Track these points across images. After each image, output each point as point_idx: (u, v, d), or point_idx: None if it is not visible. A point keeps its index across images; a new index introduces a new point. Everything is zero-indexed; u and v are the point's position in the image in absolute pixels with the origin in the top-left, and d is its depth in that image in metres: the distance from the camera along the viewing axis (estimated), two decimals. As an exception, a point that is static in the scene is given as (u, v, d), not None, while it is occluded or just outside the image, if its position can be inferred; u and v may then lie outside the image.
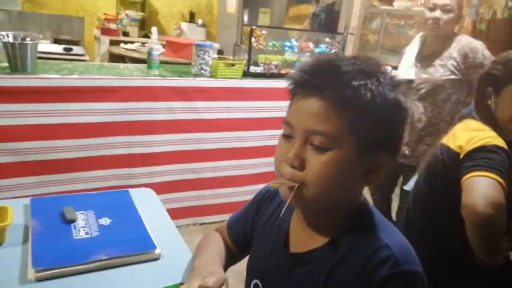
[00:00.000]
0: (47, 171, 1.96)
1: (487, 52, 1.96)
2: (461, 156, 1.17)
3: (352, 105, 0.62)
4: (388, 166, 0.68)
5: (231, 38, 4.30)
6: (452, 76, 1.98)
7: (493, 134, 1.18)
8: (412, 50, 2.14)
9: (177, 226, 1.14)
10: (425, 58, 2.06)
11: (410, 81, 2.03)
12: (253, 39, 2.46)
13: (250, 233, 0.89)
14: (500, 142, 1.15)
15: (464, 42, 1.99)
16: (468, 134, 1.20)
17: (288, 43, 2.64)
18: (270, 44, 2.56)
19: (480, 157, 1.13)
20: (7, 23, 3.93)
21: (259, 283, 0.80)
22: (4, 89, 1.81)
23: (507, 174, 1.11)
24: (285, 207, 0.69)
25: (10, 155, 1.87)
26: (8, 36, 1.97)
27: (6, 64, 1.96)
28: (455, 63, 1.98)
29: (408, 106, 0.67)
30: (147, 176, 2.22)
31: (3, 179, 1.87)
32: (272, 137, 2.43)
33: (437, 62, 2.01)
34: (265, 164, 2.48)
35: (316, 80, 0.65)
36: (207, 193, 2.44)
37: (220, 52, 2.70)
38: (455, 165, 1.18)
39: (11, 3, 4.12)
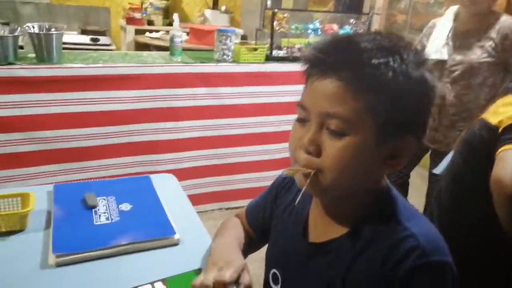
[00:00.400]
0: (73, 158, 2.01)
1: None
2: (500, 130, 1.11)
3: (372, 85, 0.58)
4: (411, 150, 0.63)
5: (255, 23, 4.24)
6: (489, 59, 1.84)
7: None
8: (444, 26, 1.96)
9: (202, 211, 1.14)
10: (459, 37, 1.90)
11: (442, 62, 1.89)
12: (275, 22, 2.41)
13: (269, 220, 0.86)
14: None
15: (504, 21, 1.82)
16: (509, 108, 1.13)
17: (311, 26, 2.56)
18: (292, 27, 2.50)
19: None
20: (36, 15, 4.03)
21: (277, 272, 0.78)
22: (31, 79, 1.85)
23: None
24: (300, 195, 0.66)
25: (36, 144, 1.92)
26: (33, 27, 2.01)
27: (33, 55, 2.00)
28: (493, 44, 1.82)
29: (435, 85, 0.62)
30: (172, 162, 2.24)
31: (29, 167, 1.93)
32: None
33: (474, 42, 1.86)
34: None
35: (332, 58, 0.60)
36: (232, 178, 2.44)
37: (244, 37, 2.67)
38: (493, 139, 1.12)
39: (39, -4, 4.21)
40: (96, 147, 2.04)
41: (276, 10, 2.44)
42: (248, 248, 0.90)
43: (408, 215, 0.66)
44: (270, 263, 0.82)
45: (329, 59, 0.61)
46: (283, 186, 0.85)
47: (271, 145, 2.46)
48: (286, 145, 2.30)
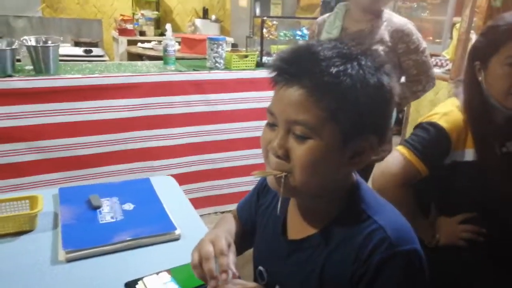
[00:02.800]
0: (72, 167, 2.06)
1: (419, 35, 1.70)
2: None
3: (331, 93, 0.61)
4: (374, 149, 0.67)
5: (245, 32, 4.33)
6: None
7: (445, 111, 1.13)
8: (332, 25, 1.75)
9: (199, 215, 1.19)
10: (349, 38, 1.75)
11: None
12: (264, 30, 2.50)
13: (255, 219, 0.91)
14: (444, 121, 1.11)
15: (396, 22, 1.67)
16: (436, 109, 1.19)
17: (299, 32, 2.66)
18: (281, 34, 2.60)
19: (412, 133, 1.17)
20: (29, 29, 4.09)
21: (262, 270, 0.82)
22: (30, 90, 1.91)
23: (431, 150, 1.11)
24: (279, 201, 0.72)
25: (37, 153, 1.97)
26: (30, 40, 2.07)
27: (31, 67, 2.06)
28: (387, 49, 1.66)
29: (393, 87, 0.65)
30: (167, 168, 2.30)
31: (31, 176, 1.98)
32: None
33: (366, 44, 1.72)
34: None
35: (294, 68, 0.64)
36: (226, 182, 2.50)
37: (234, 45, 2.74)
38: None
39: (32, 9, 4.27)
40: (95, 155, 2.09)
41: (265, 17, 2.53)
42: (243, 241, 0.94)
43: (377, 208, 0.70)
44: (255, 261, 0.86)
45: (291, 68, 0.64)
46: (263, 187, 0.90)
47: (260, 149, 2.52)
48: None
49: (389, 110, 0.67)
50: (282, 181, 0.66)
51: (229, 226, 0.93)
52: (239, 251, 0.89)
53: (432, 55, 4.10)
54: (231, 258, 0.74)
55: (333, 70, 0.61)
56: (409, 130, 3.61)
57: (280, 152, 0.66)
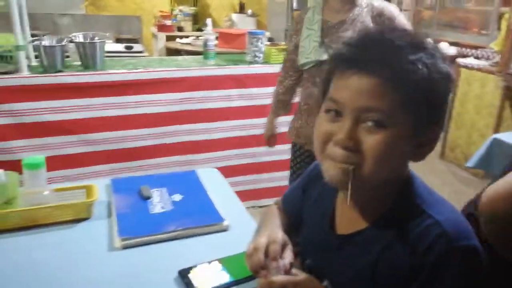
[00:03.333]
0: (120, 159, 2.14)
1: (402, 18, 1.63)
2: None
3: (410, 81, 0.60)
4: (437, 139, 0.67)
5: (281, 25, 4.32)
6: None
7: None
8: (312, 21, 1.64)
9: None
10: (332, 32, 1.59)
11: (319, 62, 1.57)
12: (304, 23, 2.47)
13: (300, 213, 0.90)
14: None
15: (377, 6, 1.59)
16: None
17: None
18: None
19: None
20: (72, 26, 4.25)
21: (311, 263, 0.82)
22: (78, 85, 1.99)
23: None
24: (349, 193, 0.66)
25: (86, 145, 2.06)
26: (79, 37, 2.15)
27: (79, 63, 2.15)
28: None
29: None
30: (208, 161, 2.34)
31: (81, 167, 2.07)
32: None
33: (350, 35, 1.59)
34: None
35: (368, 56, 0.62)
36: (265, 177, 2.52)
37: (270, 39, 2.75)
38: None
39: (75, 7, 4.44)
40: (141, 148, 2.17)
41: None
42: (289, 234, 0.93)
43: (432, 202, 0.67)
44: (303, 253, 0.84)
45: (365, 56, 0.63)
46: (309, 181, 0.89)
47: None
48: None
49: (448, 98, 0.67)
50: (350, 174, 0.63)
51: (279, 220, 0.93)
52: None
53: (477, 47, 3.96)
54: (288, 254, 0.76)
55: (412, 58, 0.61)
56: (452, 126, 3.49)
57: (350, 144, 0.63)
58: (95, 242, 0.99)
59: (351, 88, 0.63)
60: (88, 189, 1.13)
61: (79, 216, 1.07)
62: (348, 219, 0.75)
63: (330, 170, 0.66)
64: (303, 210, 0.89)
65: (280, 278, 0.69)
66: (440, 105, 0.65)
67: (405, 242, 0.65)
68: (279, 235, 0.79)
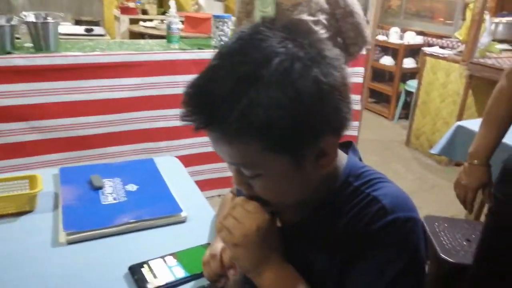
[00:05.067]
0: (74, 147, 2.01)
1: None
2: None
3: (246, 129, 0.52)
4: (336, 145, 0.60)
5: (250, 11, 4.22)
6: (327, 34, 1.66)
7: None
8: (265, 4, 1.63)
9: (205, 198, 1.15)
10: (286, 14, 1.58)
11: None
12: (271, 7, 2.41)
13: None
14: None
15: None
16: None
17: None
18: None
19: None
20: (28, 6, 4.01)
21: None
22: (30, 68, 1.85)
23: None
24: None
25: (37, 133, 1.92)
26: (30, 16, 2.00)
27: (31, 45, 2.00)
28: (327, 16, 1.64)
29: (328, 79, 0.53)
30: (171, 149, 2.25)
31: (31, 156, 1.93)
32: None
33: (306, 17, 1.59)
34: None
35: (197, 118, 0.53)
36: (226, 165, 2.45)
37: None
38: None
39: (31, -13, 4.18)
40: (97, 136, 2.04)
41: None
42: None
43: (372, 182, 0.64)
44: None
45: (197, 118, 0.54)
46: None
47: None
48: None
49: (331, 104, 0.55)
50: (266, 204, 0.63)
51: None
52: None
53: (442, 37, 4.01)
54: None
55: (236, 113, 0.51)
56: (418, 114, 3.54)
57: (244, 188, 0.62)
58: (38, 237, 0.91)
59: (213, 145, 0.58)
60: (32, 180, 1.03)
61: (22, 209, 0.98)
62: (283, 212, 0.70)
63: None
64: None
65: None
66: (305, 125, 0.54)
67: (347, 223, 0.62)
68: None
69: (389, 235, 0.59)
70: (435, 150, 1.87)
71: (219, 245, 0.73)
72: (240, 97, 0.51)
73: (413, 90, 3.84)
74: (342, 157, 0.68)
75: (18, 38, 2.05)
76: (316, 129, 0.55)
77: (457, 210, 2.15)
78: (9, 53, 1.87)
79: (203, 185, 2.34)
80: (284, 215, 0.71)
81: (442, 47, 3.77)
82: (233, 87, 0.52)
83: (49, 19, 2.01)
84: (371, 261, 0.60)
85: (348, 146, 0.71)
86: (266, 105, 0.51)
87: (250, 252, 0.62)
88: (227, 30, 2.29)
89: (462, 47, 3.19)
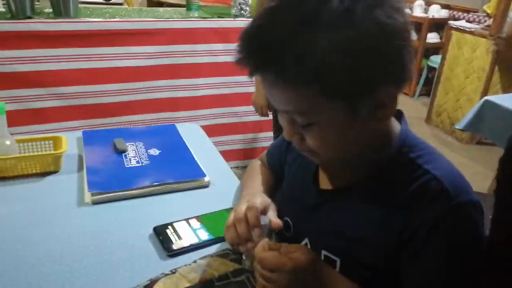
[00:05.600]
0: (94, 115, 2.02)
1: None
2: None
3: (306, 72, 0.50)
4: (395, 96, 0.57)
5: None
6: None
7: None
8: None
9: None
10: None
11: None
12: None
13: (285, 162, 0.85)
14: None
15: None
16: None
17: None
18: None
19: None
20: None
21: (289, 220, 0.76)
22: (50, 33, 1.84)
23: None
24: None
25: (58, 99, 1.93)
26: (49, -20, 1.98)
27: (50, 10, 1.98)
28: None
29: (385, 21, 0.50)
30: (190, 119, 2.24)
31: (53, 122, 1.95)
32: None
33: None
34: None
35: (257, 62, 0.53)
36: (250, 137, 2.44)
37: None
38: None
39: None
40: (117, 104, 2.04)
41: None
42: (276, 189, 0.90)
43: (428, 157, 0.62)
44: (281, 211, 0.77)
45: (258, 62, 0.53)
46: None
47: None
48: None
49: (393, 49, 0.52)
50: (314, 158, 0.63)
51: (261, 178, 0.88)
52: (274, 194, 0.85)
53: (469, 11, 3.86)
54: (270, 214, 0.70)
55: (298, 49, 0.49)
56: (440, 90, 3.45)
57: (294, 139, 0.61)
58: (64, 196, 0.91)
59: (266, 91, 0.58)
60: (56, 141, 1.03)
61: (47, 169, 0.98)
62: (334, 174, 0.70)
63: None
64: (286, 163, 0.84)
65: (269, 256, 0.61)
66: (365, 70, 0.51)
67: (400, 199, 0.60)
68: (258, 200, 0.71)
69: (452, 221, 0.57)
70: (460, 125, 1.82)
71: (243, 207, 0.70)
72: (298, 39, 0.50)
73: (436, 65, 3.73)
74: (396, 124, 0.66)
75: (37, 4, 2.04)
76: (375, 75, 0.53)
77: (477, 188, 2.12)
78: (29, 17, 1.86)
79: (224, 156, 2.35)
80: (333, 179, 0.70)
81: (468, 21, 3.63)
82: (291, 29, 0.50)
83: (69, -16, 1.98)
84: (433, 250, 0.58)
85: (399, 115, 0.67)
86: (325, 47, 0.49)
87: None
88: (248, -1, 2.24)
89: (489, 21, 3.07)
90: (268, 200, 0.75)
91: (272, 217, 0.70)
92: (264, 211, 0.71)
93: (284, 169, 0.85)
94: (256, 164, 0.96)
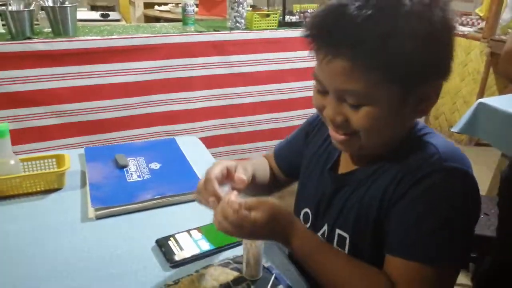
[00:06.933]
0: (94, 131, 2.04)
1: None
2: None
3: (381, 59, 0.55)
4: (439, 91, 0.63)
5: (264, -8, 4.16)
6: None
7: None
8: None
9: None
10: None
11: None
12: (287, -13, 2.38)
13: (299, 160, 0.88)
14: None
15: None
16: None
17: (324, -11, 2.52)
18: (305, -9, 2.47)
19: None
20: (45, -6, 4.02)
21: (309, 211, 0.80)
22: (49, 52, 1.87)
23: None
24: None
25: (58, 117, 1.95)
26: (47, 1, 2.02)
27: (49, 29, 2.02)
28: None
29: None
30: (188, 132, 2.27)
31: (54, 140, 1.98)
32: (308, 88, 2.39)
33: None
34: (304, 116, 2.46)
35: (334, 38, 0.57)
36: (247, 147, 2.46)
37: (253, 7, 2.65)
38: None
39: (46, -26, 4.19)
40: (116, 119, 2.07)
41: (287, -26, 2.41)
42: (273, 185, 0.93)
43: (433, 135, 0.67)
44: (301, 203, 0.83)
45: (330, 38, 0.58)
46: (315, 125, 0.86)
47: (284, 112, 2.47)
48: (300, 112, 2.33)
49: (447, 44, 0.59)
50: (348, 143, 0.65)
51: (259, 162, 0.92)
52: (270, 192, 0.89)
53: (462, 14, 3.91)
54: (239, 172, 0.72)
55: (377, 33, 0.54)
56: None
57: (338, 119, 0.63)
58: (68, 213, 0.94)
59: (326, 70, 0.60)
60: (59, 159, 1.06)
61: (51, 187, 1.01)
62: (350, 159, 0.74)
63: (332, 135, 0.68)
64: (303, 160, 0.86)
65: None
66: (425, 61, 0.57)
67: (402, 165, 0.64)
68: (216, 170, 0.72)
69: (437, 178, 0.60)
70: (456, 128, 1.84)
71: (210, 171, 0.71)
72: (380, 22, 0.54)
73: (431, 69, 3.77)
74: None
75: (37, 24, 2.08)
76: (434, 66, 0.59)
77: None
78: (28, 38, 1.90)
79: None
80: (343, 164, 0.74)
81: (461, 24, 3.67)
82: (374, 12, 0.54)
83: (67, 3, 2.02)
84: (413, 207, 0.60)
85: None
86: (404, 34, 0.54)
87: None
88: (243, 11, 2.28)
89: (482, 24, 3.11)
90: (231, 163, 0.75)
91: (238, 175, 0.71)
92: (230, 176, 0.73)
93: (294, 166, 0.89)
94: (258, 158, 0.98)
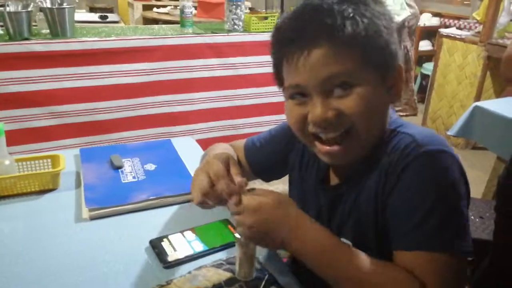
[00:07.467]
0: (91, 132, 2.05)
1: None
2: None
3: (357, 39, 0.60)
4: (403, 77, 0.68)
5: (263, -5, 4.17)
6: None
7: None
8: None
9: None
10: None
11: None
12: (285, -10, 2.39)
13: (278, 164, 0.89)
14: None
15: None
16: None
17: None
18: (303, -6, 2.48)
19: None
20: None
21: None
22: (46, 53, 1.88)
23: None
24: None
25: (55, 118, 1.96)
26: (46, 2, 2.02)
27: (47, 31, 2.03)
28: None
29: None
30: (187, 134, 2.27)
31: (51, 140, 1.98)
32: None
33: None
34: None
35: (308, 32, 0.61)
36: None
37: (251, 9, 2.66)
38: None
39: (46, -25, 4.19)
40: (114, 121, 2.07)
41: (285, -23, 2.42)
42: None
43: (407, 126, 0.69)
44: None
45: (305, 34, 0.61)
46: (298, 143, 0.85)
47: (283, 115, 2.46)
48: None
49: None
50: (345, 147, 0.65)
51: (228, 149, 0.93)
52: None
53: (459, 18, 3.92)
54: (232, 171, 0.70)
55: (350, 16, 0.60)
56: (434, 97, 3.49)
57: (330, 115, 0.62)
58: (62, 213, 0.94)
59: (306, 66, 0.62)
60: (54, 159, 1.06)
61: (45, 187, 1.01)
62: (337, 171, 0.75)
63: (324, 151, 0.67)
64: (291, 170, 0.87)
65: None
66: (392, 46, 0.64)
67: (385, 164, 0.65)
68: (215, 168, 0.70)
69: (420, 164, 0.61)
70: (452, 131, 1.85)
71: (216, 167, 0.69)
72: (349, 8, 0.60)
73: (429, 73, 3.78)
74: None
75: (35, 25, 2.08)
76: (396, 49, 0.65)
77: (473, 192, 2.14)
78: (26, 39, 1.90)
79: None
80: (334, 178, 0.75)
81: (459, 28, 3.69)
82: (343, 2, 0.61)
83: (65, 5, 2.03)
84: (405, 195, 0.61)
85: None
86: (373, 16, 0.61)
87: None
88: (241, 14, 2.28)
89: (479, 28, 3.12)
90: (224, 157, 0.73)
91: (235, 176, 0.69)
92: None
93: (268, 170, 0.91)
94: (223, 144, 0.98)
